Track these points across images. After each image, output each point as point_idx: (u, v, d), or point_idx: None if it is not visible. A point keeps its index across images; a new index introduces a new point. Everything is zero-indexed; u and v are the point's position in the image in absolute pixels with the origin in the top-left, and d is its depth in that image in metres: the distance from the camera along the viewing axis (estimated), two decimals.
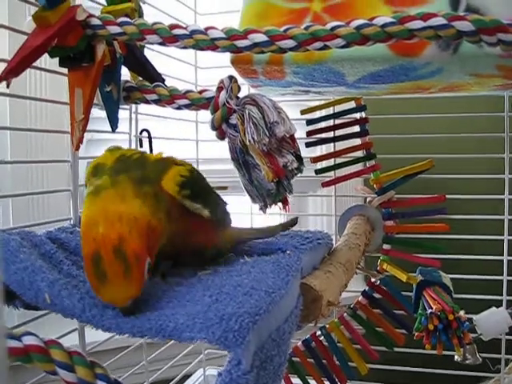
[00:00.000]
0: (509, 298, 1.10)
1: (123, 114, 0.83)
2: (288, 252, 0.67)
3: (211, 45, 0.64)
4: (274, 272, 0.59)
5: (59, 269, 0.62)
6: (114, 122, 0.78)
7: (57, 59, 0.70)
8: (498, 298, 1.10)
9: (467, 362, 1.01)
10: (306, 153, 1.07)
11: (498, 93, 1.02)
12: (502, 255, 1.10)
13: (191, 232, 0.63)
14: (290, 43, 0.62)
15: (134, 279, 0.52)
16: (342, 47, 0.61)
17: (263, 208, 0.76)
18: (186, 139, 1.20)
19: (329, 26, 0.61)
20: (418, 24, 0.59)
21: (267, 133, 0.69)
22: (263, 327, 0.52)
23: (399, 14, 0.59)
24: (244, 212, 1.21)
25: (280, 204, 0.77)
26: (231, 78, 0.75)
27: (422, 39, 0.60)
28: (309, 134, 1.09)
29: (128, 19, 0.67)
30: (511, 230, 1.10)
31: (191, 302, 0.53)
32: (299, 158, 0.73)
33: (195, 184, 0.64)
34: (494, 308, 1.06)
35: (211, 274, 0.61)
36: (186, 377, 1.22)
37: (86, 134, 0.72)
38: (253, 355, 0.49)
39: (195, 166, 0.68)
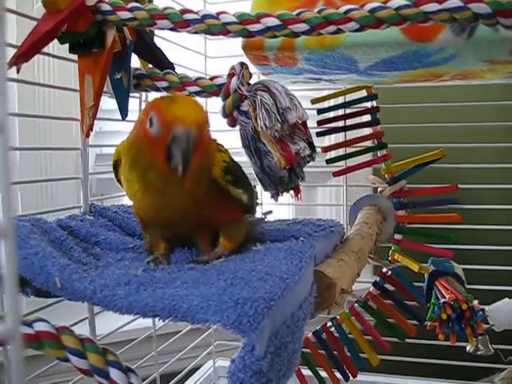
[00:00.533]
0: None
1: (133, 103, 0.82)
2: (301, 239, 0.67)
3: (223, 29, 0.64)
4: (288, 258, 0.59)
5: (69, 255, 0.62)
6: (123, 110, 0.78)
7: (66, 46, 0.70)
8: (511, 288, 1.09)
9: (479, 352, 1.00)
10: (316, 142, 1.07)
11: (510, 81, 1.01)
12: None
13: (222, 212, 0.66)
14: (303, 27, 0.61)
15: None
16: (356, 31, 0.61)
17: (275, 196, 0.75)
18: None
19: (342, 9, 0.60)
20: (433, 6, 0.58)
21: (279, 119, 0.68)
22: (278, 313, 0.51)
23: None
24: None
25: (292, 192, 0.76)
26: (242, 64, 0.74)
27: (437, 22, 0.59)
28: (319, 123, 1.08)
29: (138, 4, 0.67)
30: None
31: (206, 285, 0.52)
32: (311, 145, 0.72)
33: (236, 170, 0.67)
34: (506, 299, 1.04)
35: (225, 260, 0.60)
36: (196, 369, 1.21)
37: (94, 126, 0.72)
38: (267, 341, 0.48)
39: None
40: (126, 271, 0.57)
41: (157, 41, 0.84)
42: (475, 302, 0.87)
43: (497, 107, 1.11)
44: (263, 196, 0.95)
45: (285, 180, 0.72)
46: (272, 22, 0.62)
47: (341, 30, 0.61)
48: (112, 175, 0.70)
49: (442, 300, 0.87)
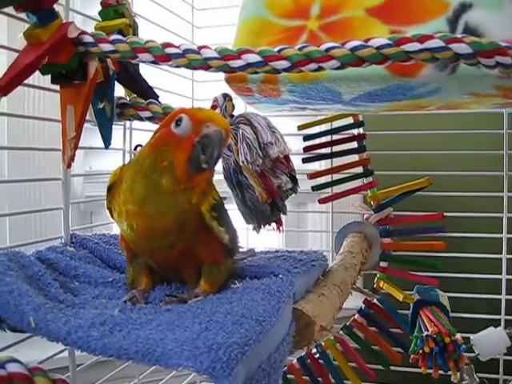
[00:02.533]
0: (507, 317, 1.09)
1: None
2: (280, 276, 0.66)
3: (204, 64, 0.63)
4: (265, 299, 0.58)
5: (46, 292, 0.61)
6: (107, 138, 0.77)
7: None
8: (497, 317, 1.09)
9: (464, 382, 0.99)
10: (303, 167, 1.07)
11: (496, 110, 1.01)
12: (501, 274, 1.09)
13: (204, 249, 0.65)
14: (284, 64, 0.61)
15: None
16: (337, 69, 0.60)
17: (256, 229, 0.75)
18: None
19: (323, 47, 0.60)
20: (414, 46, 0.57)
21: (261, 154, 0.68)
22: (253, 357, 0.51)
23: (395, 36, 0.58)
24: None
25: (274, 224, 0.76)
26: (225, 96, 0.74)
27: (419, 61, 0.59)
28: (306, 149, 1.08)
29: (121, 37, 0.66)
30: (510, 248, 1.08)
31: (181, 328, 0.51)
32: (294, 179, 0.72)
33: (222, 210, 0.66)
34: (492, 327, 1.04)
35: (201, 301, 0.59)
36: None
37: (83, 142, 0.71)
38: None
39: None
40: (102, 311, 0.56)
41: (144, 65, 0.83)
42: (458, 336, 0.86)
43: (484, 135, 1.10)
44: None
45: (266, 213, 0.72)
46: (253, 58, 0.61)
47: (322, 68, 0.61)
48: (99, 193, 0.69)
49: (425, 333, 0.86)
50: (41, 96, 1.11)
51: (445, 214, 1.02)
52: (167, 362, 0.48)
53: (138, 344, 0.49)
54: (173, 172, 0.59)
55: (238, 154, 0.69)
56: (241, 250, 0.90)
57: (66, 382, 0.53)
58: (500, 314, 1.09)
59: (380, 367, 1.07)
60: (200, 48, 0.64)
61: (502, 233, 1.09)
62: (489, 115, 1.10)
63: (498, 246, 1.09)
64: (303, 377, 1.09)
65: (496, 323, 1.07)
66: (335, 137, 1.11)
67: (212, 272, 0.65)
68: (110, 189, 0.67)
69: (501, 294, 1.09)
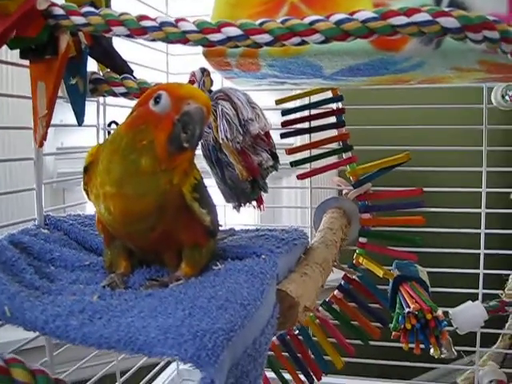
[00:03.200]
0: (485, 291, 1.09)
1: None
2: (263, 257, 0.65)
3: (182, 38, 0.61)
4: (249, 281, 0.57)
5: (21, 278, 0.58)
6: (80, 115, 0.74)
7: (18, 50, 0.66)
8: (474, 291, 1.09)
9: (443, 355, 1.00)
10: (281, 142, 1.05)
11: (477, 84, 1.00)
12: (479, 249, 1.09)
13: (185, 232, 0.63)
14: (266, 38, 0.58)
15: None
16: (321, 43, 0.58)
17: (237, 207, 0.73)
18: None
19: (307, 20, 0.58)
20: (401, 20, 0.55)
21: (241, 130, 0.66)
22: (238, 343, 0.49)
23: (381, 9, 0.56)
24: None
25: (254, 203, 0.74)
26: (203, 70, 0.71)
27: (405, 35, 0.57)
28: (284, 124, 1.06)
29: (93, 9, 0.63)
30: (488, 223, 1.09)
31: (163, 315, 0.50)
32: (274, 156, 0.71)
33: (203, 191, 0.64)
34: (469, 302, 1.05)
35: (183, 285, 0.58)
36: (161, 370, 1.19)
37: (54, 118, 0.69)
38: (227, 373, 0.47)
39: None
40: (80, 297, 0.54)
41: (117, 38, 0.80)
42: (440, 312, 0.86)
43: (464, 111, 1.09)
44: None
45: (247, 192, 0.71)
46: (233, 31, 0.59)
47: (305, 42, 0.58)
48: (72, 169, 0.67)
49: (407, 309, 0.86)
50: (9, 72, 1.06)
51: (424, 189, 1.02)
52: (150, 350, 0.46)
53: (119, 332, 0.47)
54: (153, 151, 0.57)
55: (217, 131, 0.67)
56: (220, 228, 0.88)
57: (45, 372, 0.51)
58: (478, 288, 1.09)
59: (360, 342, 1.07)
60: (177, 21, 0.61)
61: (480, 207, 1.09)
62: (468, 90, 1.09)
63: (476, 221, 1.09)
64: (283, 353, 1.08)
65: (474, 297, 1.07)
66: (314, 111, 1.09)
67: (193, 254, 0.63)
68: (86, 169, 0.64)
69: (479, 268, 1.09)
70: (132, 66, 0.80)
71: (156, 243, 0.62)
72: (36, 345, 0.75)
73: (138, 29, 0.62)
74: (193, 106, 0.57)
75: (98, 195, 0.60)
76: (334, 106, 1.06)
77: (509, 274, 1.08)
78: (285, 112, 1.06)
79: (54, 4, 0.63)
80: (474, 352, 1.13)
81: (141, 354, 0.47)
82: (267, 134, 0.70)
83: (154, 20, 0.61)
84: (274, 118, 1.04)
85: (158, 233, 0.61)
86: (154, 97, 0.58)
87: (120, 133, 0.60)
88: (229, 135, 0.65)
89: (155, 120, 0.57)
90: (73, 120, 0.74)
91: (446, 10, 0.55)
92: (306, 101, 1.10)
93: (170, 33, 0.61)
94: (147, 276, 0.63)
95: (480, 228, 1.09)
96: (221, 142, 0.67)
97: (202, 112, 0.57)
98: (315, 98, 1.08)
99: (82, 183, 0.64)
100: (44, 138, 0.68)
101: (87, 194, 0.64)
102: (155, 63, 1.12)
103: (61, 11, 0.63)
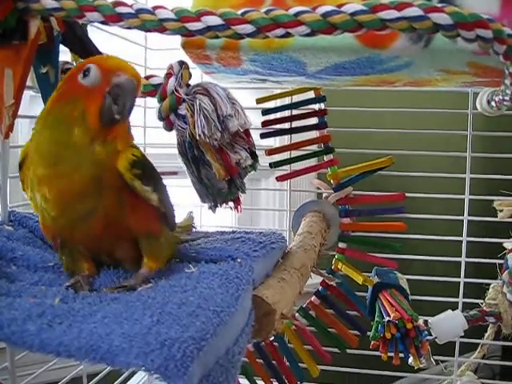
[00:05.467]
0: (465, 300, 1.07)
1: None
2: (239, 260, 0.61)
3: (159, 26, 0.58)
4: (223, 286, 0.53)
5: None
6: None
7: None
8: (455, 300, 1.07)
9: (421, 365, 0.97)
10: (260, 142, 1.02)
11: (462, 89, 0.98)
12: (460, 256, 1.07)
13: (133, 217, 0.58)
14: (249, 28, 0.56)
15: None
16: (306, 35, 0.55)
17: (213, 208, 0.70)
18: (133, 126, 1.12)
19: (292, 11, 0.55)
20: (391, 14, 0.53)
21: (219, 127, 0.63)
22: (210, 353, 0.46)
23: (371, 2, 0.54)
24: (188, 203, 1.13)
25: (231, 203, 0.71)
26: (182, 63, 0.68)
27: (395, 30, 0.54)
28: (264, 124, 1.03)
29: None
30: (470, 231, 1.07)
31: (129, 321, 0.46)
32: (254, 155, 0.67)
33: (146, 166, 0.60)
34: (449, 311, 1.03)
35: (152, 289, 0.54)
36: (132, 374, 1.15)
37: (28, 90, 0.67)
38: None
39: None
40: (41, 300, 0.50)
41: (92, 28, 0.76)
42: (420, 321, 0.84)
43: (447, 116, 1.08)
44: None
45: (224, 192, 0.67)
46: (214, 20, 0.56)
47: (290, 34, 0.56)
48: None
49: (387, 318, 0.83)
50: None
51: (406, 194, 1.00)
52: (113, 359, 0.42)
53: (80, 339, 0.43)
54: (84, 123, 0.55)
55: (194, 127, 0.63)
56: (194, 230, 0.85)
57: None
58: (458, 297, 1.07)
59: (337, 350, 1.04)
60: (155, 8, 0.58)
61: (463, 215, 1.07)
62: (454, 94, 1.07)
63: (458, 229, 1.07)
64: (257, 360, 1.05)
65: (454, 306, 1.05)
66: (295, 112, 1.06)
67: (151, 244, 0.59)
68: (21, 166, 0.60)
69: (460, 276, 1.07)
70: None
71: (102, 235, 0.58)
72: None
73: (113, 15, 0.59)
74: (123, 78, 0.56)
75: (33, 185, 0.57)
76: (316, 106, 1.03)
77: (489, 284, 1.06)
78: (265, 111, 1.03)
79: None
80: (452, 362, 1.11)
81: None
82: (247, 132, 0.67)
83: (130, 6, 0.58)
84: (254, 118, 1.02)
85: (100, 219, 0.56)
86: (83, 70, 0.56)
87: (47, 109, 0.58)
88: (206, 131, 0.62)
89: (85, 93, 0.56)
90: None
91: (439, 5, 0.53)
92: (287, 101, 1.08)
93: (146, 20, 0.58)
94: (114, 277, 0.59)
95: (462, 236, 1.07)
96: (198, 138, 0.63)
97: (132, 83, 0.56)
98: (297, 98, 1.05)
99: (20, 183, 0.61)
100: (10, 129, 0.65)
101: (27, 194, 0.60)
102: (133, 57, 1.07)
103: None
